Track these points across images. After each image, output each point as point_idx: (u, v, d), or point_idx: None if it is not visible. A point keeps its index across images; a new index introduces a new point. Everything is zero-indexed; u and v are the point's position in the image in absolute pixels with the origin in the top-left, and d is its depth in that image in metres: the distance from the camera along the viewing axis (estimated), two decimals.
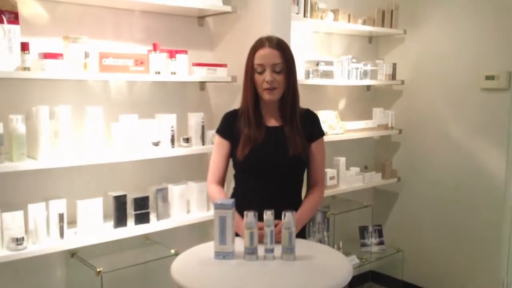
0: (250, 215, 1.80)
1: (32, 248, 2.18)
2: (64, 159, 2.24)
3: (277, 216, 1.86)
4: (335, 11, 3.35)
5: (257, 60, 2.06)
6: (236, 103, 2.37)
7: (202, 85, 3.01)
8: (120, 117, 2.50)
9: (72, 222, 2.36)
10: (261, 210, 1.86)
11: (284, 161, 2.09)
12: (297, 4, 3.07)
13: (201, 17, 2.97)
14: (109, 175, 2.63)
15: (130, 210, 2.51)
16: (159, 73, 2.53)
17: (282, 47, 2.08)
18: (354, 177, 3.58)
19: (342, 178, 3.48)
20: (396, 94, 3.93)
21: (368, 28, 3.58)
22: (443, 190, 3.66)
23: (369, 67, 3.60)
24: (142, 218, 2.54)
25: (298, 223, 1.97)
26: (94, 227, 2.38)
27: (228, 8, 2.74)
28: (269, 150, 2.09)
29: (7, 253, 2.11)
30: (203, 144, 2.76)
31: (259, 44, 2.09)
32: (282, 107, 2.14)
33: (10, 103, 2.29)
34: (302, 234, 2.15)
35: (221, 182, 2.20)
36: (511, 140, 3.28)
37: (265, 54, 2.05)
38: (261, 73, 2.06)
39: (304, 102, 2.24)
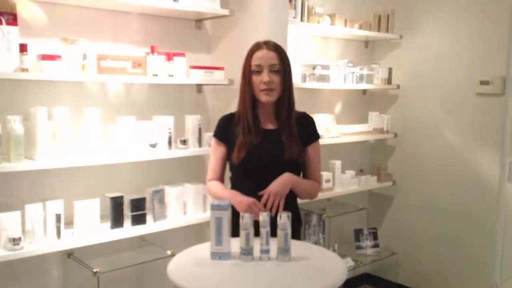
0: (246, 216, 1.82)
1: (29, 248, 2.19)
2: (62, 160, 2.26)
3: (273, 218, 1.88)
4: (331, 16, 3.38)
5: (254, 61, 2.09)
6: (233, 106, 2.39)
7: (199, 87, 3.03)
8: (118, 118, 2.51)
9: (69, 223, 2.37)
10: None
11: (279, 165, 2.10)
12: (294, 9, 3.09)
13: (198, 20, 2.99)
14: (106, 176, 2.65)
15: (127, 211, 2.53)
16: (156, 75, 2.55)
17: (279, 50, 2.11)
18: (349, 180, 3.60)
19: (337, 181, 3.50)
20: (392, 98, 3.96)
21: (364, 33, 3.61)
22: (437, 194, 3.69)
23: (365, 71, 3.63)
24: (139, 219, 2.55)
25: (298, 179, 2.11)
26: (91, 228, 2.39)
27: (225, 12, 2.76)
28: (265, 154, 2.12)
29: (4, 253, 2.12)
30: (200, 146, 2.78)
31: (256, 46, 2.12)
32: (278, 110, 2.16)
33: (8, 104, 2.31)
34: (297, 236, 2.17)
35: (221, 180, 2.25)
36: (506, 144, 3.31)
37: (263, 56, 2.08)
38: (258, 74, 2.08)
39: (300, 106, 2.27)
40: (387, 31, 3.77)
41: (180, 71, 2.65)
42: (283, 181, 2.04)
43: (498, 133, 3.32)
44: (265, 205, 2.00)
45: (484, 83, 3.35)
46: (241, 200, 2.02)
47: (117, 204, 2.49)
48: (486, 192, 3.40)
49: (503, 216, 3.36)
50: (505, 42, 3.25)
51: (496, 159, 3.34)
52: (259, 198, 2.04)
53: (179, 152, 2.68)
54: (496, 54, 3.31)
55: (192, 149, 2.74)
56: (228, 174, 2.26)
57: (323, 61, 3.56)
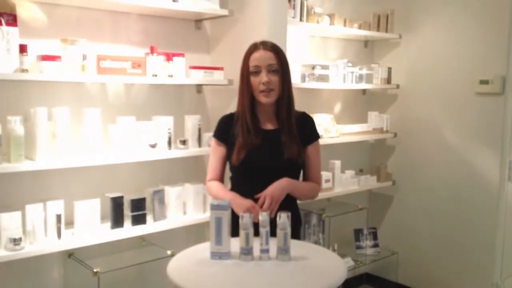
0: (245, 216, 1.82)
1: (29, 249, 2.19)
2: (62, 161, 2.26)
3: (273, 218, 1.89)
4: (331, 15, 3.38)
5: (252, 62, 2.09)
6: (232, 106, 2.39)
7: (199, 88, 3.03)
8: (118, 119, 2.52)
9: (70, 223, 2.38)
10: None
11: (279, 165, 2.11)
12: (294, 8, 3.10)
13: (198, 21, 2.99)
14: (107, 177, 2.65)
15: (127, 211, 2.53)
16: (156, 75, 2.55)
17: (276, 50, 2.12)
18: (349, 180, 3.60)
19: (337, 181, 3.51)
20: (391, 98, 3.96)
21: (363, 33, 3.62)
22: (437, 193, 3.69)
23: (364, 71, 3.63)
24: (139, 219, 2.56)
25: (296, 184, 2.11)
26: (91, 228, 2.39)
27: (225, 12, 2.77)
28: (264, 154, 2.12)
29: (5, 253, 2.13)
30: (199, 146, 2.79)
31: (253, 47, 2.13)
32: (278, 110, 2.16)
33: (9, 104, 2.31)
34: (296, 235, 2.17)
35: (220, 180, 2.25)
36: (505, 144, 3.31)
37: (260, 56, 2.09)
38: (257, 74, 2.09)
39: (300, 106, 2.27)
40: (386, 31, 3.77)
41: (179, 71, 2.66)
42: (281, 186, 2.05)
43: (498, 132, 3.32)
44: (261, 208, 2.00)
45: (483, 82, 3.36)
46: (240, 203, 2.02)
47: (117, 204, 2.49)
48: (486, 191, 3.40)
49: (503, 215, 3.36)
50: (504, 41, 3.25)
51: (496, 158, 3.34)
52: (257, 199, 2.04)
53: (179, 152, 2.68)
54: (495, 53, 3.31)
55: (192, 149, 2.75)
56: (228, 174, 2.26)
57: (323, 61, 3.56)
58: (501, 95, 3.30)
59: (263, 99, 2.10)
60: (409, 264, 3.89)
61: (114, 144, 2.48)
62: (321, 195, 3.24)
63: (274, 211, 1.97)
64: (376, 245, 3.95)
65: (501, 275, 3.41)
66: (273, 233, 1.84)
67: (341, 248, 3.65)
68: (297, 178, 2.21)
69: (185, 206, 2.77)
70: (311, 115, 2.30)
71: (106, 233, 2.45)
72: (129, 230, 2.52)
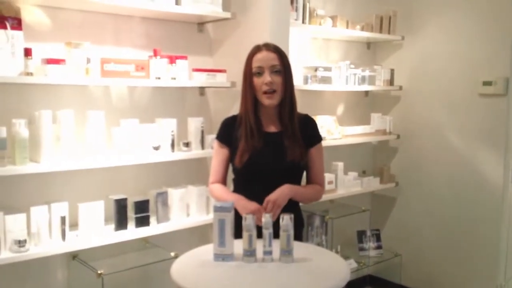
0: (249, 218, 1.83)
1: (34, 250, 2.21)
2: (66, 163, 2.28)
3: (276, 221, 1.90)
4: (333, 17, 3.39)
5: (255, 63, 2.10)
6: (235, 108, 2.40)
7: (201, 90, 3.05)
8: (121, 121, 2.53)
9: (74, 225, 2.39)
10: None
11: (282, 167, 2.11)
12: (296, 11, 3.10)
13: (200, 23, 3.01)
14: (110, 179, 2.66)
15: (131, 213, 2.55)
16: (159, 78, 2.57)
17: (278, 51, 2.13)
18: (352, 182, 3.60)
19: (340, 183, 3.51)
20: (394, 99, 3.96)
21: (366, 34, 3.62)
22: (440, 195, 3.69)
23: (367, 73, 3.64)
24: (143, 221, 2.57)
25: (298, 190, 2.11)
26: (95, 229, 2.41)
27: (227, 15, 2.78)
28: (267, 157, 2.12)
29: (10, 255, 2.14)
30: (202, 149, 2.79)
31: (256, 49, 2.14)
32: (280, 113, 2.16)
33: (13, 107, 2.33)
34: (299, 237, 2.18)
35: (223, 183, 2.25)
36: (509, 145, 3.31)
37: (263, 57, 2.10)
38: (260, 75, 2.09)
39: (303, 107, 2.27)
40: (389, 33, 3.78)
41: (182, 74, 2.67)
42: (283, 193, 2.03)
43: (501, 134, 3.32)
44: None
45: (487, 83, 3.36)
46: (245, 205, 2.02)
47: (121, 206, 2.50)
48: (489, 193, 3.40)
49: (507, 217, 3.36)
50: (508, 42, 3.25)
51: (500, 160, 3.34)
52: (260, 200, 2.05)
53: (182, 154, 2.69)
54: (499, 55, 3.31)
55: (195, 152, 2.76)
56: (230, 175, 2.27)
57: (325, 63, 3.57)
58: (504, 96, 3.30)
59: (266, 101, 2.11)
60: (412, 265, 3.89)
61: (117, 146, 2.49)
62: (324, 197, 3.25)
63: (276, 216, 1.98)
64: (379, 247, 3.95)
65: (505, 276, 3.40)
66: (276, 235, 1.85)
67: (344, 250, 3.65)
68: (299, 180, 2.22)
69: (188, 208, 2.78)
70: (313, 117, 2.31)
71: (110, 235, 2.46)
72: (132, 232, 2.53)
